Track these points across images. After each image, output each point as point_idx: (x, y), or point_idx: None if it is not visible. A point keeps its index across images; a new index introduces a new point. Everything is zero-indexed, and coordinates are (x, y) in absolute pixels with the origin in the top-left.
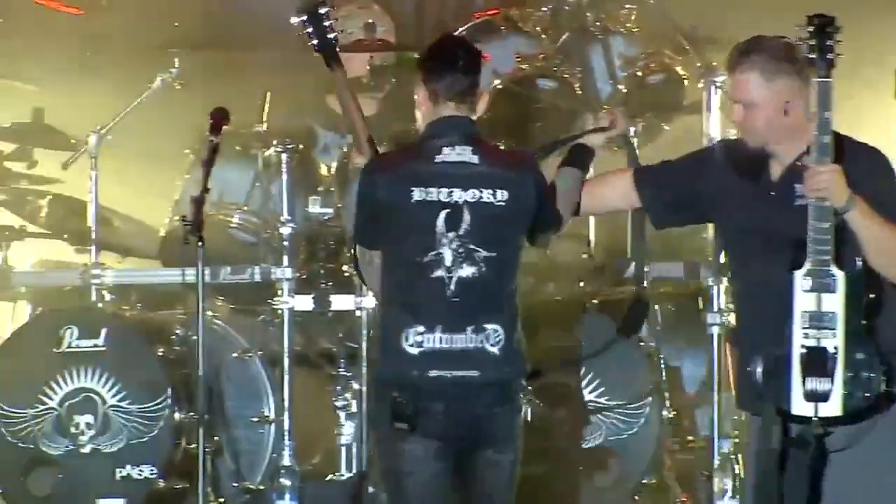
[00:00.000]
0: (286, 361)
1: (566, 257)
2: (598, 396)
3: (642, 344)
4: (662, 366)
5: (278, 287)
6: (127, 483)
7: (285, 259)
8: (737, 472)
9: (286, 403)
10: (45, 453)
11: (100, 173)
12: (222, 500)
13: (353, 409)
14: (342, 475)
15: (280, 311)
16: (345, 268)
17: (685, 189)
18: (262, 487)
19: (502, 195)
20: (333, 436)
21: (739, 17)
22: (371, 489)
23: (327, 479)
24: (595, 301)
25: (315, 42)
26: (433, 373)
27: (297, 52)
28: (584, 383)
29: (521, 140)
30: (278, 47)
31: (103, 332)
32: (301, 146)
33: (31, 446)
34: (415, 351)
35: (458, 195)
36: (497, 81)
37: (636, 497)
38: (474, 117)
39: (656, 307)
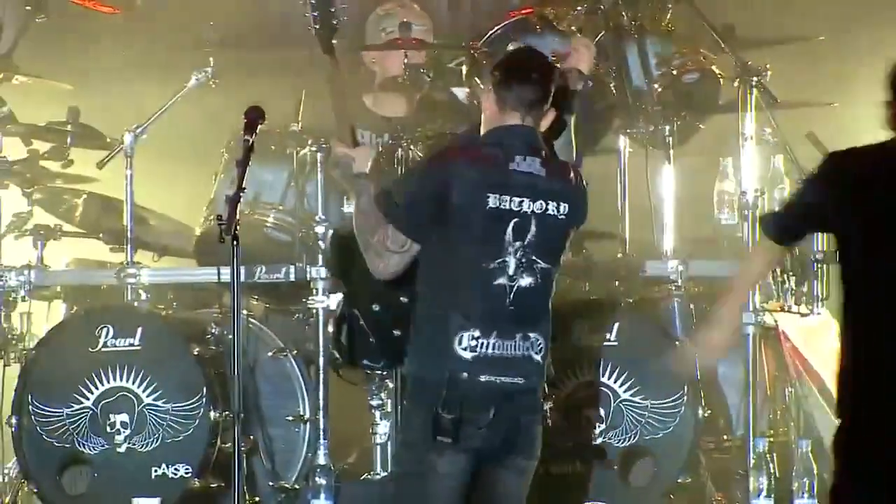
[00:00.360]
0: (321, 360)
1: (601, 256)
2: (634, 396)
3: (677, 343)
4: (697, 365)
5: (313, 286)
6: (162, 482)
7: (320, 258)
8: (772, 471)
9: (321, 402)
10: (80, 452)
11: (135, 172)
12: (258, 499)
13: (388, 408)
14: (377, 474)
15: (315, 310)
16: None
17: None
18: (297, 486)
19: (564, 209)
20: (368, 435)
21: (774, 17)
22: None
23: (362, 478)
24: (630, 300)
25: (316, 24)
26: (483, 378)
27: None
28: (619, 383)
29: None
30: (313, 46)
31: (139, 331)
32: None
33: (67, 445)
34: (468, 355)
35: (528, 206)
36: None
37: (671, 496)
38: (540, 130)
39: (692, 306)
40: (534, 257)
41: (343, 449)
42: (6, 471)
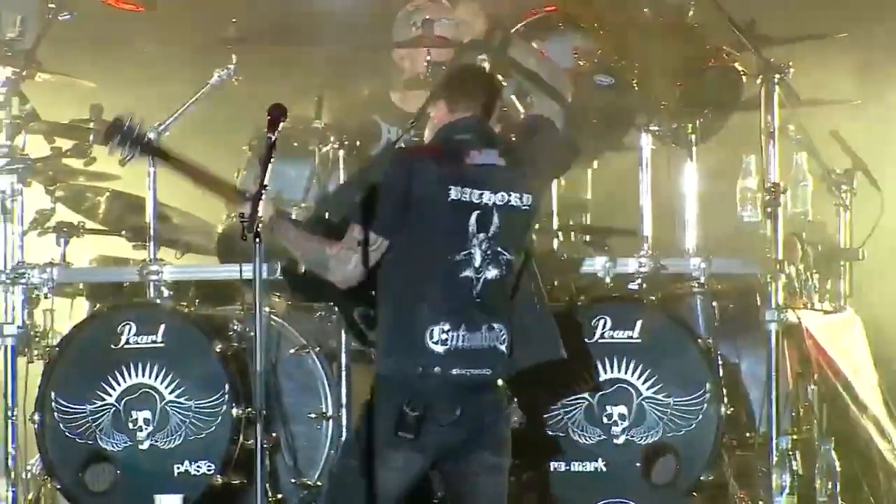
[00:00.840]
0: (343, 357)
1: (623, 254)
2: (656, 393)
3: (700, 340)
4: (720, 362)
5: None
6: (184, 479)
7: None
8: (795, 468)
9: (344, 400)
10: (103, 449)
11: (158, 170)
12: (280, 496)
13: None
14: None
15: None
16: None
17: None
18: (319, 483)
19: (526, 199)
20: None
21: (797, 14)
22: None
23: None
24: (653, 298)
25: (130, 155)
26: (455, 371)
27: (356, 48)
28: (641, 379)
29: (577, 136)
30: (336, 42)
31: (161, 328)
32: (358, 142)
33: (90, 442)
34: (440, 349)
35: (489, 197)
36: None
37: (694, 494)
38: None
39: (714, 303)
40: (499, 249)
41: None
42: (29, 467)
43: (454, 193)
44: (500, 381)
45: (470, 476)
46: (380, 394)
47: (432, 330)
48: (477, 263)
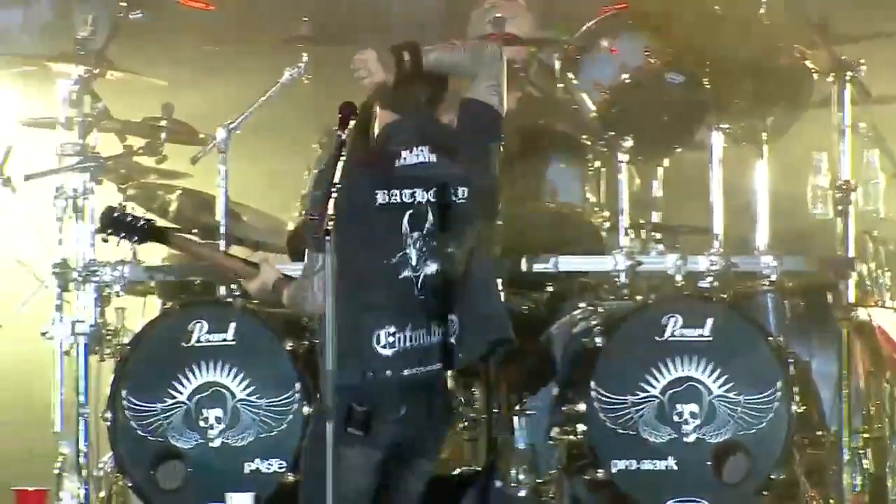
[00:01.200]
0: None
1: (694, 252)
2: (727, 391)
3: (771, 338)
4: (791, 360)
5: None
6: (256, 477)
7: None
8: (866, 467)
9: None
10: (174, 447)
11: (229, 167)
12: None
13: (478, 404)
14: (468, 469)
15: None
16: None
17: None
18: None
19: (463, 192)
20: (458, 430)
21: (868, 11)
22: (498, 483)
23: (451, 473)
24: (724, 296)
25: (137, 238)
26: (407, 371)
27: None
28: (712, 378)
29: (649, 135)
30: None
31: (232, 326)
32: None
33: (161, 440)
34: (388, 352)
35: (421, 195)
36: (625, 75)
37: (765, 492)
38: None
39: (785, 301)
40: (434, 244)
41: None
42: (101, 465)
43: (381, 198)
44: (450, 384)
45: (407, 476)
46: (336, 400)
47: (378, 334)
48: (414, 262)
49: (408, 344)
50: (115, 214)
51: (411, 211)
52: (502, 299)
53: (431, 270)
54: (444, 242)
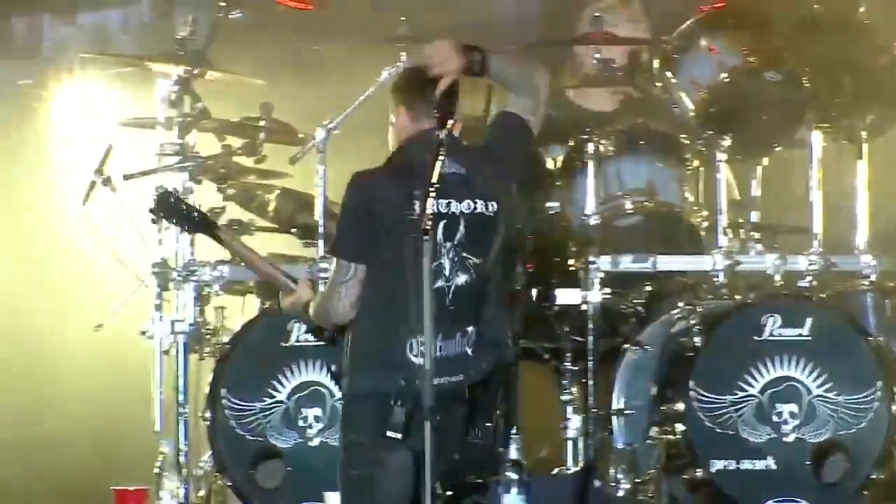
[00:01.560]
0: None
1: (793, 251)
2: (826, 391)
3: (870, 338)
4: (891, 360)
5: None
6: None
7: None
8: None
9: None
10: (273, 446)
11: (327, 167)
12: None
13: (579, 402)
14: (568, 469)
15: None
16: (570, 262)
17: None
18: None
19: (492, 207)
20: (559, 430)
21: None
22: (597, 483)
23: (553, 472)
24: (823, 295)
25: (186, 227)
26: (436, 381)
27: (528, 45)
28: (811, 377)
29: (748, 134)
30: (506, 41)
31: None
32: None
33: (260, 439)
34: (421, 360)
35: (455, 206)
36: (724, 74)
37: (865, 492)
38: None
39: (886, 301)
40: (464, 254)
41: (534, 443)
42: (201, 465)
43: (419, 207)
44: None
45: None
46: (358, 409)
47: (412, 342)
48: (447, 272)
49: (438, 353)
50: (171, 199)
51: (445, 221)
52: (511, 319)
53: (461, 281)
54: (473, 254)
